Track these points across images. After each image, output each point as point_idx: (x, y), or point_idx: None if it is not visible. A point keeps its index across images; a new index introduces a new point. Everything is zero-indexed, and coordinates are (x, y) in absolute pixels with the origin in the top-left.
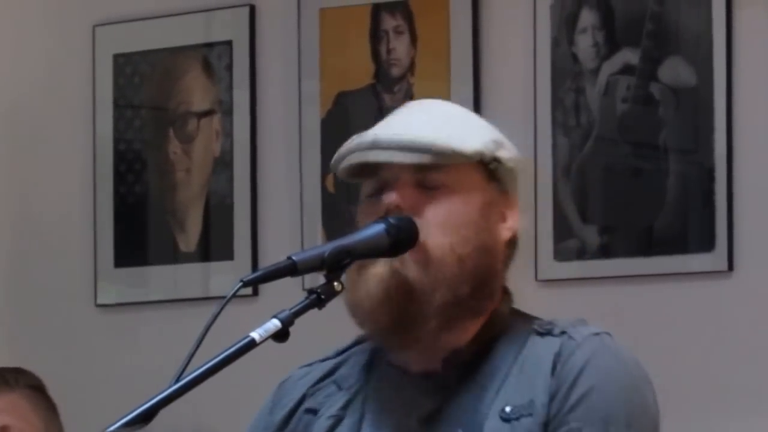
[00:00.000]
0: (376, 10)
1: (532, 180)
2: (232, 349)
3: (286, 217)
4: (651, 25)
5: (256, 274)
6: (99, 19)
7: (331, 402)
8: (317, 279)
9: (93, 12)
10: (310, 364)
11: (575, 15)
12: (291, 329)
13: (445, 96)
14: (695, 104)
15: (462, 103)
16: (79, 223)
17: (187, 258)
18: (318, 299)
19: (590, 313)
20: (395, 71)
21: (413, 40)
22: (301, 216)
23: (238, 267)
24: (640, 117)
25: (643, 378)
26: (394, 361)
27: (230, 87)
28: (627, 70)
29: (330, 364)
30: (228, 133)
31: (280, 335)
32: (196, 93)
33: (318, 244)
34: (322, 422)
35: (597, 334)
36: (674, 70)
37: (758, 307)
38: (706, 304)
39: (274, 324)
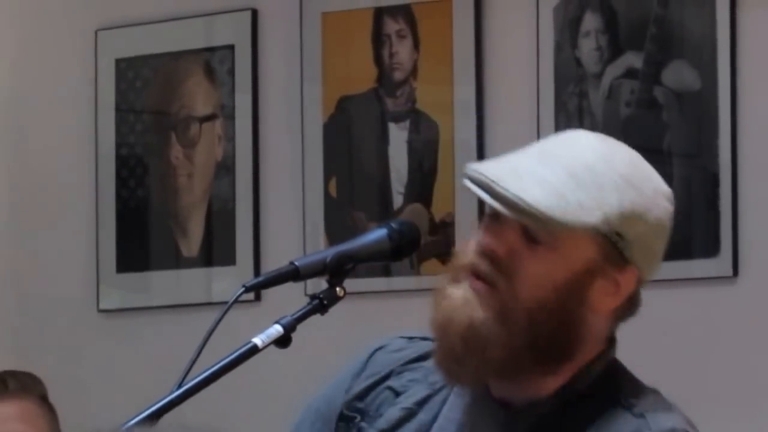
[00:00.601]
0: (379, 14)
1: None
2: (235, 355)
3: (289, 222)
4: (655, 29)
5: (258, 279)
6: (101, 24)
7: (413, 390)
8: (320, 284)
9: (95, 17)
10: (411, 338)
11: (578, 18)
12: (293, 335)
13: (448, 100)
14: (699, 108)
15: (465, 107)
16: (81, 228)
17: (190, 263)
18: (320, 305)
19: None
20: (398, 75)
21: (416, 44)
22: (303, 221)
23: (241, 272)
24: (643, 121)
25: None
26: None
27: (232, 91)
28: (630, 74)
29: (427, 346)
30: (230, 138)
31: (283, 341)
32: (198, 97)
33: (320, 249)
34: (396, 410)
35: (673, 429)
36: (678, 74)
37: (763, 312)
38: (710, 309)
39: (277, 330)
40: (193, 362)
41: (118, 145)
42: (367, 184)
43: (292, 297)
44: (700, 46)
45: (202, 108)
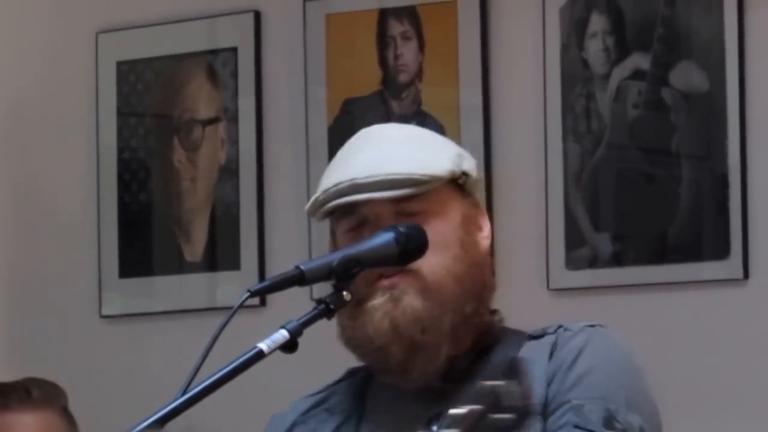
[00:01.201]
0: (383, 16)
1: (543, 187)
2: (240, 361)
3: (294, 226)
4: (662, 30)
5: (263, 284)
6: (102, 26)
7: (323, 427)
8: (326, 288)
9: (96, 19)
10: (298, 400)
11: (585, 20)
12: (299, 340)
13: (454, 102)
14: (708, 109)
15: (471, 109)
16: (83, 233)
17: (193, 268)
18: (327, 309)
19: (603, 322)
20: (403, 77)
21: (421, 45)
22: (308, 224)
23: (245, 277)
24: (651, 123)
25: (641, 368)
26: (388, 380)
27: (235, 94)
28: (638, 75)
29: (319, 396)
30: (233, 141)
31: (288, 346)
32: (201, 100)
33: (326, 253)
34: None
35: (592, 325)
36: (686, 75)
37: None
38: (720, 312)
39: (282, 335)
40: (198, 368)
41: (120, 149)
42: None
43: (297, 302)
44: (707, 47)
45: (204, 111)
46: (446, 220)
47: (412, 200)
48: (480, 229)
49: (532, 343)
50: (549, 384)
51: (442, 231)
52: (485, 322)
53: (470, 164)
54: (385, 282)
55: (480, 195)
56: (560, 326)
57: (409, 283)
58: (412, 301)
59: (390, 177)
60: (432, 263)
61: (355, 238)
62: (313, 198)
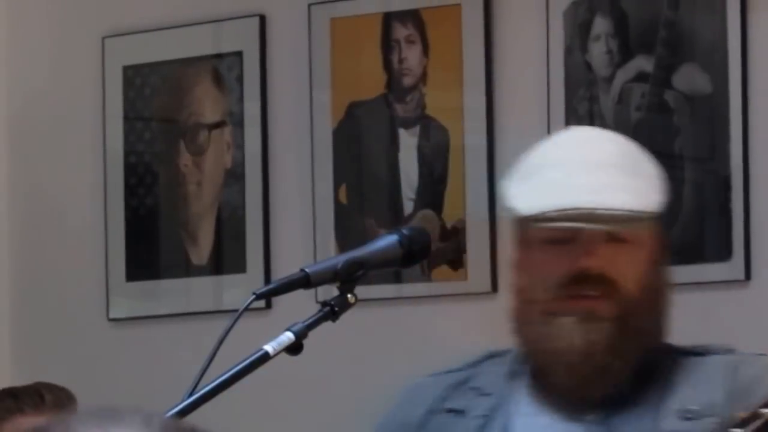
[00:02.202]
0: (388, 20)
1: None
2: (246, 362)
3: (299, 229)
4: (665, 32)
5: (268, 287)
6: (108, 31)
7: (477, 404)
8: (331, 291)
9: (102, 24)
10: (436, 374)
11: (589, 22)
12: (304, 342)
13: (458, 105)
14: (710, 112)
15: (475, 113)
16: (91, 237)
17: (199, 271)
18: (332, 311)
19: None
20: (407, 81)
21: (425, 49)
22: (313, 228)
23: (251, 280)
24: (654, 125)
25: None
26: (556, 389)
27: (241, 98)
28: (641, 77)
29: (461, 375)
30: (239, 145)
31: (294, 348)
32: (207, 104)
33: (331, 256)
34: (470, 421)
35: (765, 354)
36: (689, 78)
37: None
38: (722, 313)
39: (288, 337)
40: (205, 370)
41: (127, 153)
42: (377, 190)
43: (302, 304)
44: (710, 50)
45: (210, 115)
46: (648, 249)
47: (625, 229)
48: (666, 252)
49: (697, 359)
50: (732, 401)
51: (643, 261)
52: (654, 348)
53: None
54: (583, 303)
55: None
56: (729, 351)
57: (608, 309)
58: (609, 328)
59: (613, 213)
60: (629, 290)
61: (562, 255)
62: (526, 207)
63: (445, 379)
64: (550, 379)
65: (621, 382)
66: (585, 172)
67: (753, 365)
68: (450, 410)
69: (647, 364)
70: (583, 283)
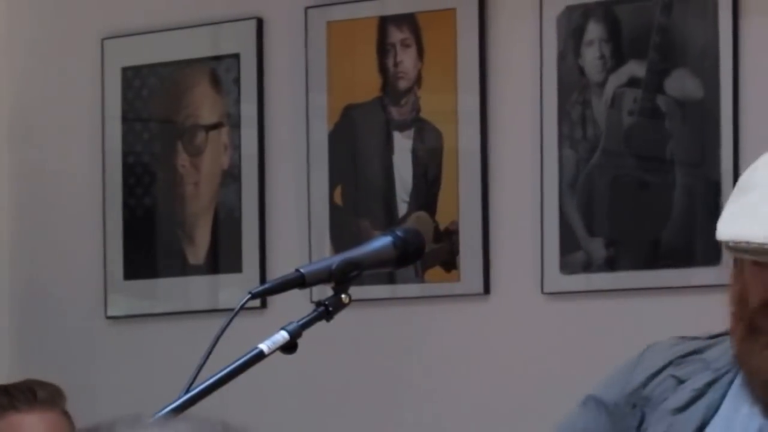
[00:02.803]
0: (383, 23)
1: (539, 192)
2: (241, 361)
3: (294, 230)
4: (657, 38)
5: (264, 287)
6: (107, 33)
7: (698, 376)
8: (325, 291)
9: (101, 25)
10: (681, 337)
11: (582, 27)
12: (299, 341)
13: (452, 108)
14: (702, 117)
15: (469, 116)
16: (89, 236)
17: (196, 270)
18: (326, 311)
19: (596, 326)
20: (402, 84)
21: (420, 53)
22: (308, 228)
23: (247, 279)
24: (646, 130)
25: None
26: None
27: (238, 100)
28: (633, 82)
29: (700, 343)
30: (236, 146)
31: (288, 347)
32: (204, 106)
33: (326, 257)
34: (685, 392)
35: None
36: (681, 83)
37: None
38: (712, 317)
39: (283, 336)
40: (200, 368)
41: (125, 154)
42: (372, 192)
43: (297, 304)
44: (702, 55)
45: (208, 116)
46: None
47: None
48: None
49: None
50: None
51: None
52: None
53: None
54: None
55: None
56: None
57: None
58: None
59: None
60: None
61: (758, 272)
62: (722, 232)
63: (681, 347)
64: (751, 388)
65: None
66: None
67: None
68: (674, 376)
69: None
70: None
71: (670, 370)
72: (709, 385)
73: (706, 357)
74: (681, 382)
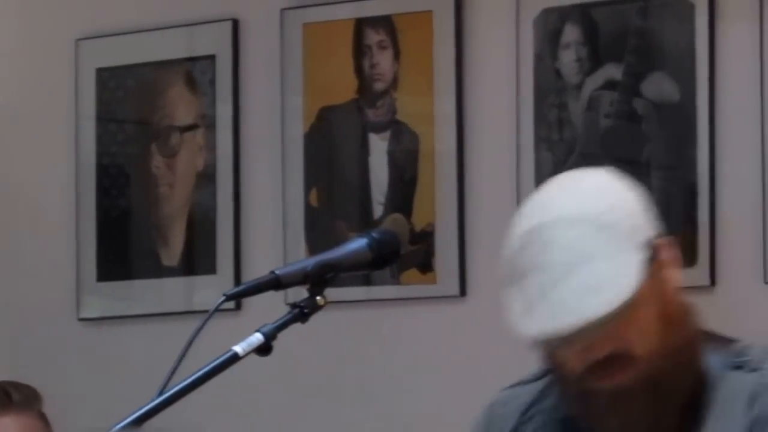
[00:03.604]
0: (360, 25)
1: (515, 195)
2: (216, 363)
3: (269, 231)
4: (634, 41)
5: (239, 288)
6: (82, 33)
7: None
8: (300, 293)
9: (76, 26)
10: (513, 386)
11: (558, 30)
12: (274, 343)
13: (429, 111)
14: (678, 120)
15: (445, 118)
16: (62, 237)
17: (171, 272)
18: (301, 313)
19: None
20: (378, 86)
21: (396, 54)
22: (284, 230)
23: (221, 281)
24: (623, 133)
25: None
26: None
27: (213, 101)
28: (610, 85)
29: (535, 387)
30: (211, 148)
31: (263, 349)
32: (179, 107)
33: (301, 259)
34: None
35: None
36: (657, 86)
37: (739, 322)
38: None
39: (257, 338)
40: (174, 370)
41: (99, 155)
42: (347, 194)
43: (272, 306)
44: (679, 58)
45: (183, 118)
46: (647, 309)
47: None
48: (670, 266)
49: (731, 374)
50: None
51: (646, 322)
52: (699, 354)
53: (647, 225)
54: (608, 381)
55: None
56: (755, 369)
57: (632, 379)
58: (640, 405)
59: (593, 324)
60: (648, 356)
61: (565, 350)
62: (515, 323)
63: (520, 401)
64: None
65: (671, 425)
66: (556, 283)
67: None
68: None
69: (690, 401)
70: (600, 367)
71: None
72: None
73: (546, 406)
74: None
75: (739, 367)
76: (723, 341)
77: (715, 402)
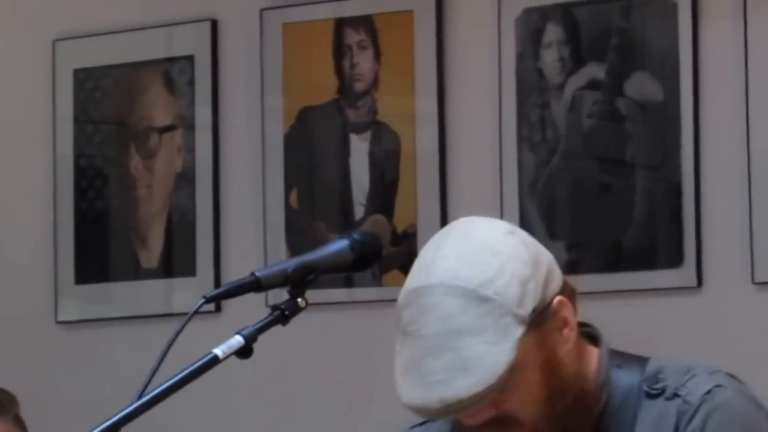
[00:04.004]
0: (340, 25)
1: (499, 195)
2: (195, 366)
3: (249, 233)
4: (617, 40)
5: (218, 290)
6: (59, 34)
7: None
8: (281, 295)
9: (53, 27)
10: (422, 424)
11: (540, 30)
12: (254, 346)
13: (410, 111)
14: (662, 119)
15: (426, 118)
16: (40, 240)
17: (150, 274)
18: (282, 315)
19: None
20: (359, 86)
21: (377, 55)
22: (264, 232)
23: (201, 283)
24: (606, 132)
25: (762, 421)
26: None
27: (192, 102)
28: (593, 85)
29: (443, 425)
30: (190, 149)
31: (244, 352)
32: (158, 108)
33: (282, 260)
34: None
35: (708, 392)
36: (640, 85)
37: (727, 323)
38: (674, 320)
39: (238, 341)
40: (154, 373)
41: (77, 156)
42: (328, 195)
43: (253, 308)
44: (662, 57)
45: (161, 119)
46: (527, 372)
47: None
48: (562, 327)
49: (648, 402)
50: None
51: (529, 390)
52: (593, 404)
53: (535, 288)
54: None
55: (556, 280)
56: (677, 394)
57: None
58: None
59: (461, 403)
60: (532, 415)
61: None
62: (396, 382)
63: None
64: None
65: None
66: (427, 355)
67: (694, 419)
68: None
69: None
70: (489, 425)
71: None
72: None
73: None
74: None
75: (656, 394)
76: (635, 361)
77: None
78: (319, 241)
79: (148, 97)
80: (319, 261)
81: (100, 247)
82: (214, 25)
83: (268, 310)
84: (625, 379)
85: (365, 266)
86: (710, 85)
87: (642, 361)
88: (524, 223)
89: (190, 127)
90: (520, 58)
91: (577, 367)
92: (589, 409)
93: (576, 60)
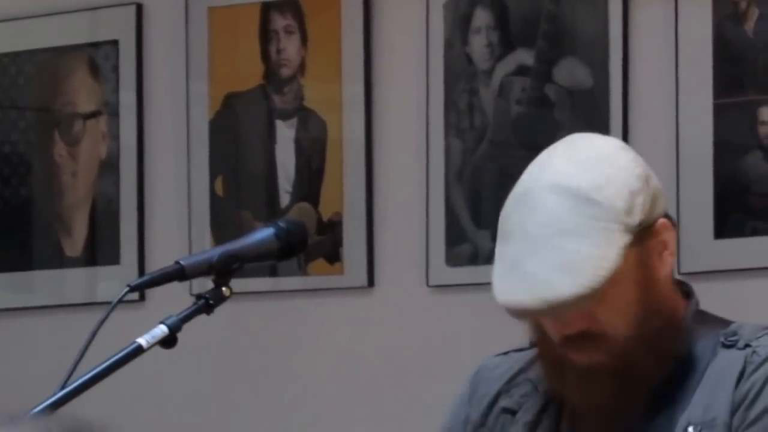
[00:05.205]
0: (266, 9)
1: (425, 183)
2: (119, 356)
3: (174, 221)
4: (546, 26)
5: (143, 279)
6: None
7: (529, 404)
8: (206, 284)
9: None
10: (505, 353)
11: (469, 15)
12: (178, 335)
13: (337, 97)
14: (591, 106)
15: (353, 105)
16: None
17: (73, 262)
18: (206, 304)
19: (483, 319)
20: (285, 72)
21: (304, 40)
22: (189, 220)
23: (125, 272)
24: (534, 119)
25: None
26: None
27: (117, 88)
28: (522, 71)
29: (526, 356)
30: (114, 136)
31: (168, 341)
32: (82, 94)
33: (206, 249)
34: (518, 427)
35: None
36: (570, 72)
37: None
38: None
39: (162, 330)
40: (77, 363)
41: (0, 143)
42: (253, 182)
43: (177, 297)
44: (592, 44)
45: (86, 105)
46: (626, 292)
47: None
48: (662, 250)
49: (723, 351)
50: (732, 415)
51: (623, 305)
52: (678, 342)
53: (642, 204)
54: (580, 356)
55: (662, 203)
56: (749, 345)
57: (604, 358)
58: (608, 385)
59: (560, 303)
60: (621, 335)
61: (557, 321)
62: (495, 292)
63: (508, 367)
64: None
65: (638, 406)
66: (532, 255)
67: (759, 371)
68: (505, 409)
69: (679, 354)
70: (573, 341)
71: (502, 402)
72: (541, 412)
73: (532, 377)
74: (513, 413)
75: (730, 345)
76: (719, 322)
77: (706, 378)
78: (245, 230)
79: (73, 82)
80: (245, 250)
81: (23, 235)
82: (139, 9)
83: (192, 299)
84: (706, 331)
85: (291, 255)
86: (640, 71)
87: (725, 322)
88: (450, 211)
89: (114, 113)
90: (449, 44)
91: (670, 296)
92: (678, 334)
93: (505, 45)
